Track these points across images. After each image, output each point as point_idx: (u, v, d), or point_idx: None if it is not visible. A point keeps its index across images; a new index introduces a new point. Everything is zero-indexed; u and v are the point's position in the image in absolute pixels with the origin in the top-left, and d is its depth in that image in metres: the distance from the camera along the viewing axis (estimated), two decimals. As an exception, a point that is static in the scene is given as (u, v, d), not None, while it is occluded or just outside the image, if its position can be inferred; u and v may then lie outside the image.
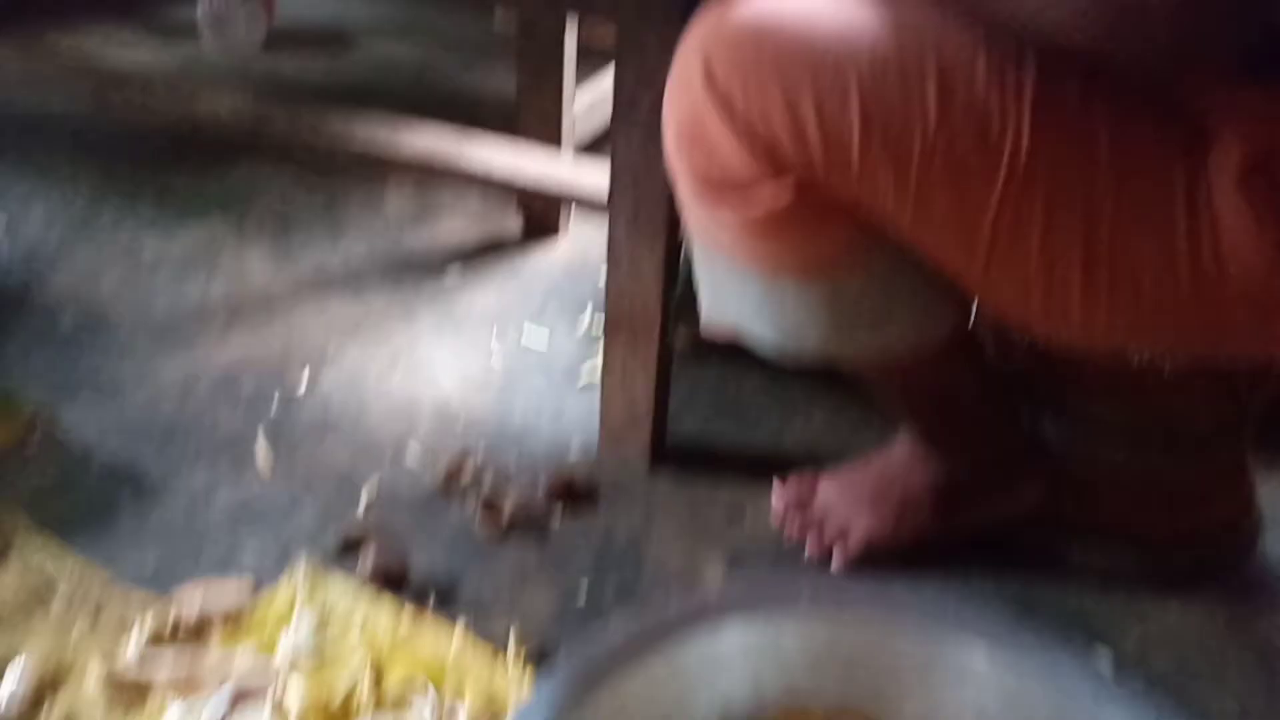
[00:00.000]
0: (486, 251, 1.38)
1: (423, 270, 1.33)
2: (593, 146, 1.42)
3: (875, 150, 0.64)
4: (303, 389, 1.11)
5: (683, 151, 0.69)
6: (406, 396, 1.11)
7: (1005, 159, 0.63)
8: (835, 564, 0.87)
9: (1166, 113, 0.63)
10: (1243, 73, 0.61)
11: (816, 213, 0.68)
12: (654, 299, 0.91)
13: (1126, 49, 0.58)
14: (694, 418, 1.09)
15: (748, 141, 0.65)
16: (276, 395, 1.10)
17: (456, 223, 1.44)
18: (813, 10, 0.65)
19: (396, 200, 1.48)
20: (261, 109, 1.11)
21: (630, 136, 0.82)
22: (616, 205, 0.87)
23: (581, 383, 1.14)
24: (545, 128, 1.30)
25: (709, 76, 0.65)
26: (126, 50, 1.96)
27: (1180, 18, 0.55)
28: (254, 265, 1.32)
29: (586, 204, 0.98)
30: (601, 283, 0.95)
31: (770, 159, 0.66)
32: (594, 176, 0.99)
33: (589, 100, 1.37)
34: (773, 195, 0.67)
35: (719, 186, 0.68)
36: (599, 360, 0.99)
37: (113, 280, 1.28)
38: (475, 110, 1.75)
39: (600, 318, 1.21)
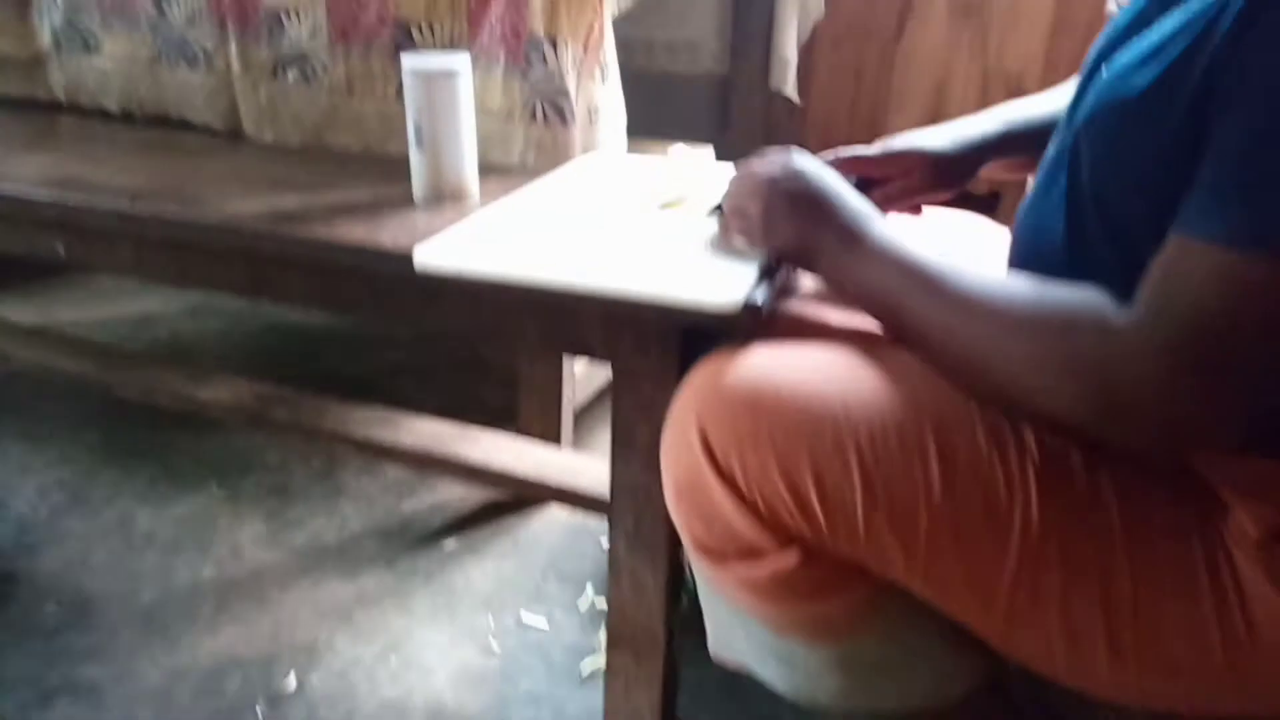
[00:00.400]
0: (485, 515, 1.35)
1: (420, 540, 1.30)
2: (598, 399, 1.42)
3: (880, 521, 0.62)
4: (290, 689, 1.05)
5: (682, 512, 0.68)
6: (399, 695, 1.05)
7: (1015, 529, 0.61)
8: None
9: (1174, 479, 0.62)
10: (1246, 445, 0.60)
11: (824, 574, 0.66)
12: (658, 615, 0.87)
13: (1121, 438, 0.58)
14: (705, 715, 1.02)
15: (749, 511, 0.64)
16: (261, 699, 1.04)
17: (455, 485, 1.42)
18: (806, 372, 0.65)
19: (395, 464, 1.47)
20: (263, 397, 1.11)
21: (629, 461, 0.81)
22: (616, 522, 0.85)
23: (584, 674, 1.08)
24: (546, 390, 1.31)
25: (706, 445, 0.65)
26: (138, 296, 2.01)
27: (1170, 416, 0.55)
28: (247, 540, 1.29)
29: (585, 505, 0.96)
30: (603, 543, 0.91)
31: (774, 528, 0.64)
32: (593, 471, 0.98)
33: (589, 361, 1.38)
34: (777, 559, 0.65)
35: (720, 549, 0.67)
36: (601, 648, 0.94)
37: (102, 560, 1.25)
38: (480, 358, 1.77)
39: (600, 599, 1.17)
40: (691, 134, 1.78)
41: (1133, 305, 0.56)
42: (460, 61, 0.87)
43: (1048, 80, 1.87)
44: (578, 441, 1.42)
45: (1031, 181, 0.95)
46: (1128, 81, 0.61)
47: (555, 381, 1.24)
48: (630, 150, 1.15)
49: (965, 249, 0.91)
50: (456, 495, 1.40)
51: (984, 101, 1.92)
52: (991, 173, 0.85)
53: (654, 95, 1.84)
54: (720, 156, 1.75)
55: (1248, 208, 0.51)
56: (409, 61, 0.86)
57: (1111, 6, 1.35)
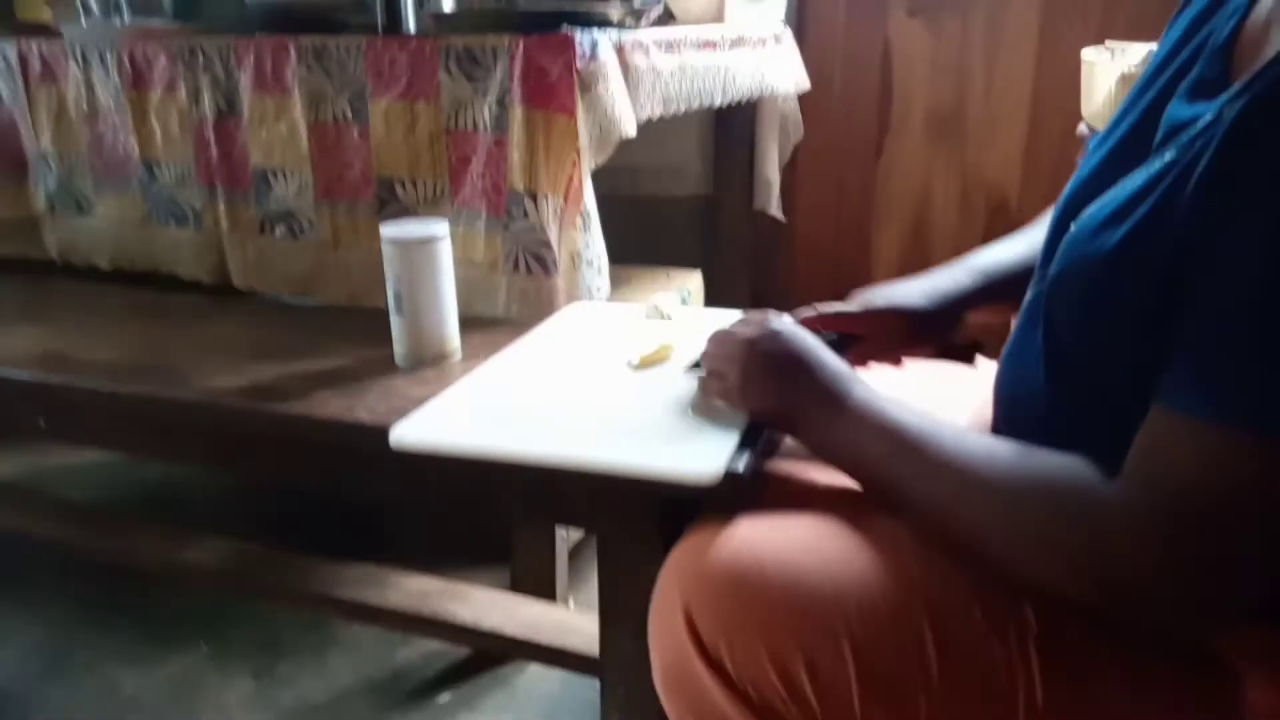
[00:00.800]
0: (480, 664, 1.30)
1: (413, 694, 1.25)
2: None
3: (878, 708, 0.59)
4: None
5: (672, 702, 0.65)
6: None
7: (1020, 712, 0.58)
8: None
9: (1182, 650, 0.60)
10: (1258, 614, 0.58)
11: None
12: (655, 792, 0.83)
13: (1120, 615, 0.56)
14: None
15: (741, 701, 0.61)
16: None
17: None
18: (793, 549, 0.63)
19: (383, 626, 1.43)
20: (247, 557, 1.09)
21: (618, 630, 0.79)
22: (608, 692, 0.82)
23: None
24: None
25: (693, 631, 0.62)
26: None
27: (1168, 594, 0.53)
28: (234, 701, 1.24)
29: (579, 667, 0.92)
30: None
31: (767, 718, 0.61)
32: (587, 629, 0.95)
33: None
34: (773, 749, 0.61)
35: (714, 739, 0.63)
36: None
37: (83, 731, 1.20)
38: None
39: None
40: (679, 255, 1.81)
41: (1120, 479, 0.55)
42: (439, 228, 0.88)
43: (1027, 190, 1.91)
44: (574, 575, 1.39)
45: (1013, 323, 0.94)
46: (1095, 241, 0.61)
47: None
48: (621, 274, 1.16)
49: (946, 388, 0.90)
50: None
51: (966, 213, 1.95)
52: (974, 319, 0.85)
53: (641, 219, 1.87)
54: (709, 278, 1.76)
55: (1228, 384, 0.50)
56: (387, 231, 0.87)
57: (1082, 129, 1.39)
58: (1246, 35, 0.60)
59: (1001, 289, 0.83)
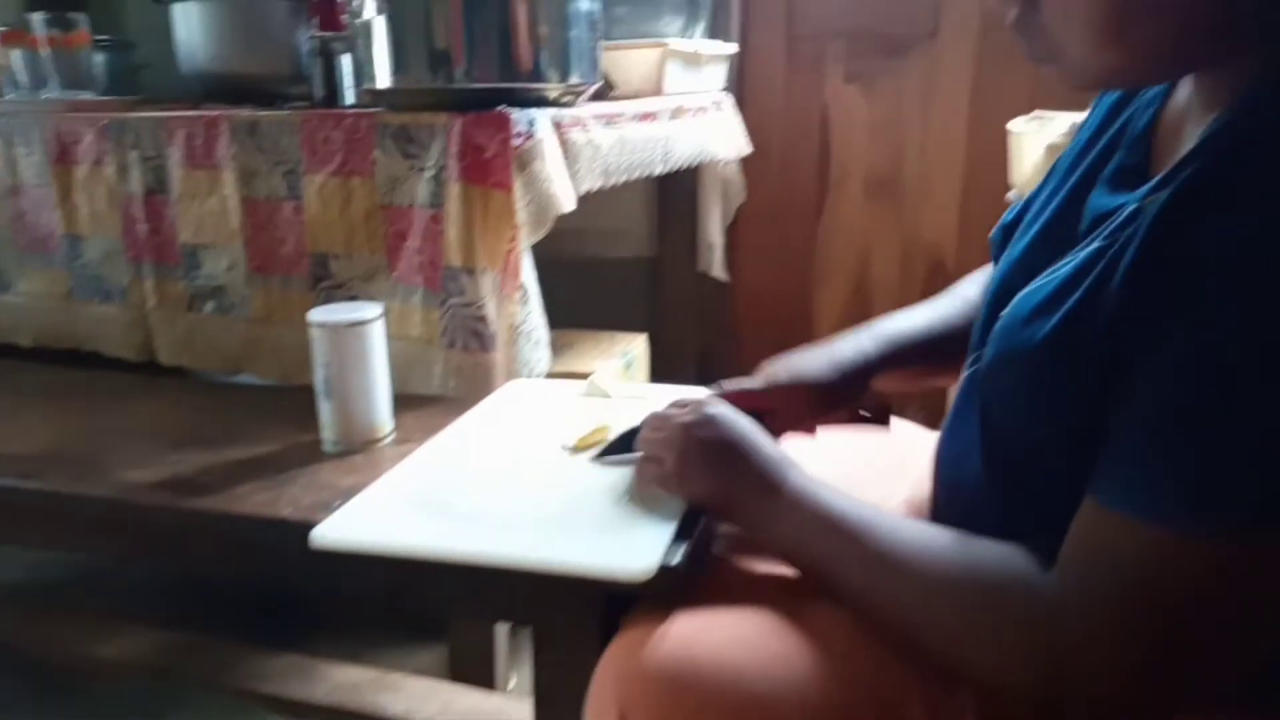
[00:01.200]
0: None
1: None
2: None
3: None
4: None
5: (609, 807, 0.62)
6: None
7: (961, 810, 0.57)
8: None
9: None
10: (1227, 699, 0.57)
11: None
12: None
13: (1059, 701, 0.55)
14: None
15: (677, 807, 0.59)
16: None
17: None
18: (729, 646, 0.62)
19: None
20: (170, 650, 1.04)
21: (555, 723, 0.76)
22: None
23: None
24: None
25: (628, 733, 0.60)
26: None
27: (1109, 688, 0.52)
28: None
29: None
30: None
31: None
32: (522, 717, 0.91)
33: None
34: None
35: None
36: None
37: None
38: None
39: None
40: (624, 318, 1.81)
41: (1055, 570, 0.54)
42: (369, 310, 0.86)
43: (963, 248, 1.95)
44: (515, 650, 1.35)
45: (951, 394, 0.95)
46: (1026, 330, 0.61)
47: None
48: (565, 339, 1.14)
49: (886, 460, 0.90)
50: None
51: (905, 272, 1.99)
52: (880, 386, 0.84)
53: (586, 282, 1.87)
54: (655, 340, 1.76)
55: (1157, 481, 0.50)
56: (314, 315, 0.85)
57: (1011, 196, 1.42)
58: (1165, 124, 0.61)
59: (907, 356, 0.83)
